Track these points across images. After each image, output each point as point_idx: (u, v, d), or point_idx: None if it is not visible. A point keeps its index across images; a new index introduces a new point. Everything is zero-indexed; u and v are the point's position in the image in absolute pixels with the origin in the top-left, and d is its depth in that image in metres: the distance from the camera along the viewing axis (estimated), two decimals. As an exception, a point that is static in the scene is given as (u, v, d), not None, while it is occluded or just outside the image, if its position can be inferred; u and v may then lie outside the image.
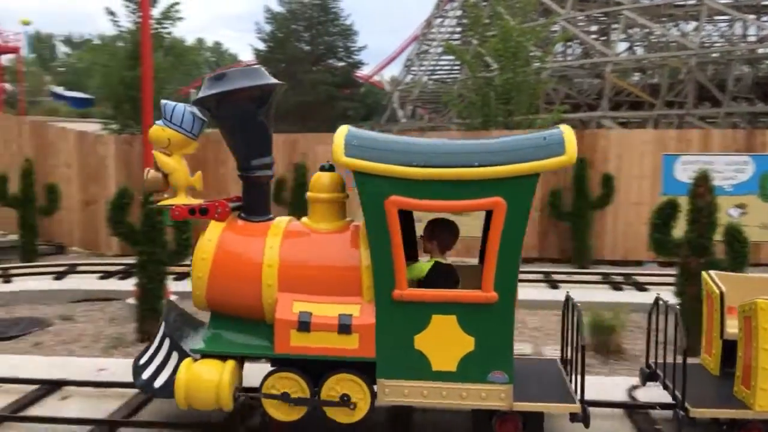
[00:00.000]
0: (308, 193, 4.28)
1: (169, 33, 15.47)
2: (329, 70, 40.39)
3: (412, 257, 4.17)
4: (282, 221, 4.29)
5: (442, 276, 3.95)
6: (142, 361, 4.19)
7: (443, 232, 4.09)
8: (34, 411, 4.44)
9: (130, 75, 14.08)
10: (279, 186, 10.97)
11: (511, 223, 3.64)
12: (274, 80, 4.31)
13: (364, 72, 46.06)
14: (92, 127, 17.77)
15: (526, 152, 3.64)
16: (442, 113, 31.82)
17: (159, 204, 4.33)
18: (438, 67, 34.81)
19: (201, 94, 4.18)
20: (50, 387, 4.77)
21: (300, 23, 40.27)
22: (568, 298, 4.21)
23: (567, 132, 3.68)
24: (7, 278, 8.95)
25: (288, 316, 3.81)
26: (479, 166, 3.61)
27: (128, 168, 11.59)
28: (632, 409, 4.42)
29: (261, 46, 41.60)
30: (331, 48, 41.22)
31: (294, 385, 3.90)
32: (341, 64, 41.66)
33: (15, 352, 6.02)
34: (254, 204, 4.40)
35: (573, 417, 3.73)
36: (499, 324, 3.73)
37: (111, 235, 8.82)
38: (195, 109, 4.28)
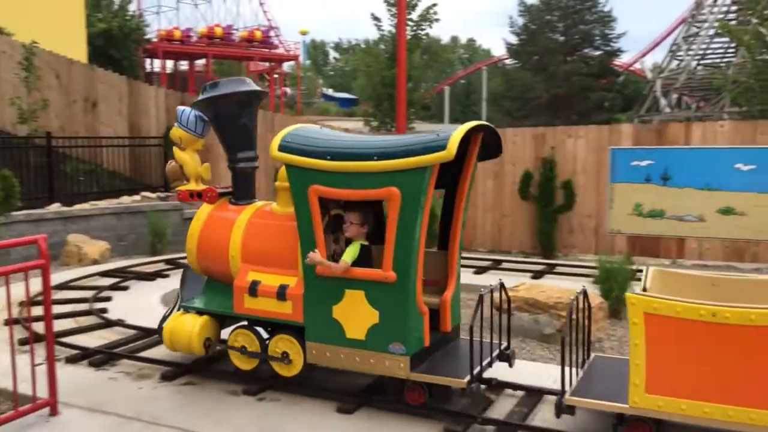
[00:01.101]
0: (276, 183, 4.90)
1: (426, 34, 16.18)
2: (584, 59, 38.78)
3: (380, 240, 4.38)
4: (256, 205, 5.07)
5: (365, 257, 4.37)
6: (166, 313, 5.24)
7: (371, 219, 4.49)
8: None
9: (389, 75, 15.03)
10: (525, 181, 10.89)
11: (405, 210, 4.06)
12: (257, 87, 5.22)
13: (622, 60, 43.37)
14: (356, 124, 19.29)
15: (417, 148, 4.05)
16: (713, 101, 28.72)
17: (176, 189, 5.31)
18: (709, 51, 31.47)
19: (198, 98, 5.08)
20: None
21: (554, 13, 39.23)
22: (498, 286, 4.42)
23: (458, 131, 4.03)
24: None
25: (242, 282, 4.68)
26: (377, 160, 4.11)
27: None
28: (530, 392, 4.54)
29: (513, 39, 41.37)
30: (587, 37, 39.51)
31: (250, 340, 4.75)
32: (597, 53, 39.72)
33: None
34: (239, 190, 5.20)
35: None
36: (398, 301, 4.16)
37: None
38: (200, 113, 5.14)
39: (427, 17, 15.84)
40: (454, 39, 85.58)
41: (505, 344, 4.60)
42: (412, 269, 4.13)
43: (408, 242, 4.09)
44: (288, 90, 51.80)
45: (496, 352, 4.45)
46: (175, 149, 5.29)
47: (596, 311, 6.03)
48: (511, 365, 4.59)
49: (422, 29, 15.96)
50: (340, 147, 4.33)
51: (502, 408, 4.31)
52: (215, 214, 5.11)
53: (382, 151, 4.16)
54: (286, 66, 51.88)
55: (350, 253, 4.33)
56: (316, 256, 4.26)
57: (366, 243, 4.45)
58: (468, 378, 4.01)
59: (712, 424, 3.51)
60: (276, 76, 47.59)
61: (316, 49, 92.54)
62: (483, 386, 4.24)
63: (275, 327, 4.71)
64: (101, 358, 5.40)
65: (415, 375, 4.15)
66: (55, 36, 16.46)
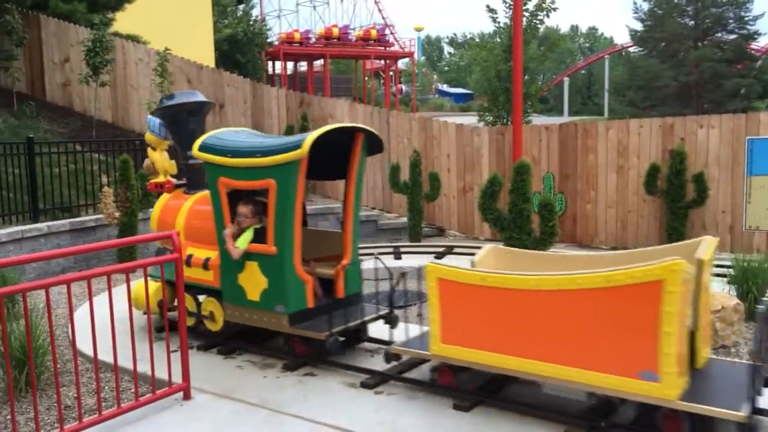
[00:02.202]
0: None
1: (543, 24, 15.75)
2: (716, 44, 36.26)
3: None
4: (202, 194, 5.98)
5: (260, 236, 5.22)
6: None
7: (261, 208, 5.32)
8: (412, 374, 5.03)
9: (504, 68, 14.76)
10: (651, 174, 10.33)
11: (280, 197, 4.98)
12: (204, 99, 6.36)
13: (760, 44, 40.15)
14: (471, 120, 19.12)
15: (284, 147, 4.96)
16: None
17: (150, 182, 6.42)
18: None
19: (155, 108, 6.37)
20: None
21: (683, -4, 36.98)
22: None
23: (312, 134, 4.91)
24: (398, 255, 10.26)
25: (182, 256, 5.26)
26: (260, 157, 5.05)
27: (500, 157, 12.21)
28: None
29: (638, 26, 39.41)
30: (720, 20, 36.91)
31: (190, 303, 5.76)
32: (731, 36, 37.02)
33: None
34: (190, 182, 6.27)
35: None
36: (279, 270, 5.08)
37: (483, 220, 9.46)
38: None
39: (544, 6, 15.41)
40: (574, 28, 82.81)
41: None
42: (287, 244, 5.07)
43: (284, 222, 5.04)
44: (403, 87, 52.23)
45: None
46: (149, 149, 6.47)
47: (731, 313, 5.62)
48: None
49: (539, 19, 15.55)
50: (238, 147, 5.28)
51: (626, 414, 4.11)
52: (169, 202, 6.28)
53: (264, 149, 5.10)
54: (401, 63, 52.31)
55: (243, 239, 5.24)
56: (226, 236, 5.25)
57: (259, 226, 5.31)
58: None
59: (492, 369, 4.21)
60: (391, 73, 48.10)
61: (431, 45, 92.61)
62: None
63: (205, 292, 5.75)
64: (230, 346, 5.69)
65: (292, 329, 5.11)
66: (186, 43, 17.55)
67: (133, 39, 15.75)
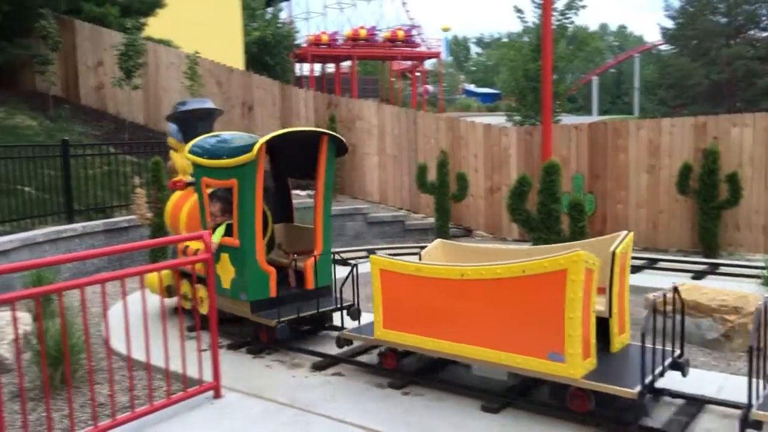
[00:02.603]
0: None
1: (571, 23, 15.63)
2: (749, 42, 35.55)
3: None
4: None
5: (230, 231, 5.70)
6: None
7: (230, 206, 5.68)
8: (443, 375, 5.02)
9: (533, 68, 14.68)
10: (684, 174, 10.17)
11: (241, 195, 5.44)
12: (213, 106, 7.13)
13: (796, 40, 39.19)
14: (498, 120, 19.03)
15: (240, 150, 5.45)
16: None
17: (170, 181, 6.73)
18: None
19: (169, 114, 7.07)
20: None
21: (716, -7, 36.31)
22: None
23: (263, 138, 5.42)
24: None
25: (181, 246, 6.26)
26: (225, 158, 5.54)
27: (528, 157, 12.14)
28: (691, 400, 4.29)
29: (669, 23, 38.84)
30: (753, 17, 36.18)
31: (188, 288, 6.18)
32: (765, 34, 36.24)
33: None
34: None
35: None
36: (242, 261, 5.54)
37: (511, 220, 9.41)
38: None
39: (573, 5, 15.29)
40: (603, 26, 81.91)
41: (678, 351, 4.37)
42: (249, 237, 5.52)
43: (245, 218, 5.49)
44: (430, 87, 52.13)
45: (668, 361, 4.23)
46: (171, 151, 7.16)
47: (764, 315, 5.51)
48: (684, 374, 4.34)
49: (568, 18, 15.43)
50: (214, 150, 5.78)
51: (660, 416, 4.06)
52: (178, 198, 6.91)
53: (228, 151, 5.61)
54: (428, 63, 52.25)
55: (216, 233, 5.68)
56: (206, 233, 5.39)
57: (230, 222, 5.71)
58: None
59: (427, 352, 4.62)
60: (418, 73, 48.06)
61: (458, 45, 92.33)
62: None
63: (199, 279, 5.88)
64: (258, 346, 5.75)
65: (254, 316, 5.52)
66: (216, 46, 17.76)
67: (165, 43, 15.99)
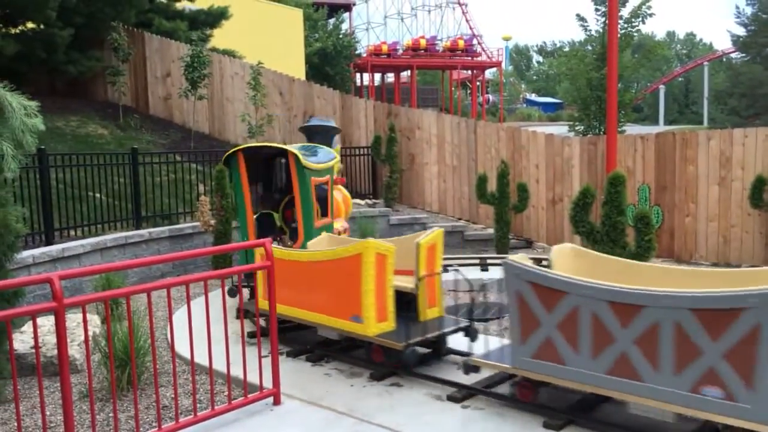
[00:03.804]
0: None
1: (638, 31, 15.23)
2: (829, 48, 33.88)
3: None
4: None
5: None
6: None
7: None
8: (502, 389, 4.93)
9: (596, 76, 14.37)
10: (757, 187, 9.73)
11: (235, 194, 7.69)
12: (328, 123, 9.33)
13: None
14: (560, 129, 18.69)
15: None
16: None
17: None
18: None
19: (301, 126, 9.54)
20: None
21: (791, -1, 34.79)
22: None
23: (233, 150, 7.53)
24: (485, 267, 10.13)
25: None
26: (223, 164, 7.98)
27: (592, 168, 11.86)
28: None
29: (740, 31, 37.45)
30: (833, 22, 34.49)
31: None
32: None
33: (487, 333, 6.76)
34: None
35: None
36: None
37: (573, 233, 9.19)
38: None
39: (639, 13, 14.90)
40: (671, 34, 79.69)
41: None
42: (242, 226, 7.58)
43: (238, 211, 7.58)
44: (490, 96, 51.75)
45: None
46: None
47: None
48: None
49: (634, 26, 15.04)
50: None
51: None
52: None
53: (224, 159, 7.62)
54: (489, 72, 51.89)
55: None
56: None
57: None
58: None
59: (290, 318, 5.89)
60: (478, 83, 47.80)
61: (519, 54, 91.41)
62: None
63: None
64: (318, 354, 5.77)
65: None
66: (278, 57, 18.09)
67: (229, 54, 16.39)
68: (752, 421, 3.44)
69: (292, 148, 7.21)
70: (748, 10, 36.76)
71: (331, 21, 30.62)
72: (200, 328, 4.40)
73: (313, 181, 7.10)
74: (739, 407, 3.48)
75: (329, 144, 8.79)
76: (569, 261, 4.72)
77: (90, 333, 5.60)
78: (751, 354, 3.44)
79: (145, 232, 9.97)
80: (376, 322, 5.21)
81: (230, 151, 7.48)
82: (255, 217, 7.71)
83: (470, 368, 4.79)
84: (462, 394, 4.76)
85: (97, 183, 10.11)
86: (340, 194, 8.76)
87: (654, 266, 4.80)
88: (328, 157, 7.67)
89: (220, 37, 17.72)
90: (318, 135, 9.02)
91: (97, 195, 10.18)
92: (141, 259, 5.89)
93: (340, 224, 8.13)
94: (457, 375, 5.11)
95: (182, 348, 5.46)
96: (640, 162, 11.39)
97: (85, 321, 3.86)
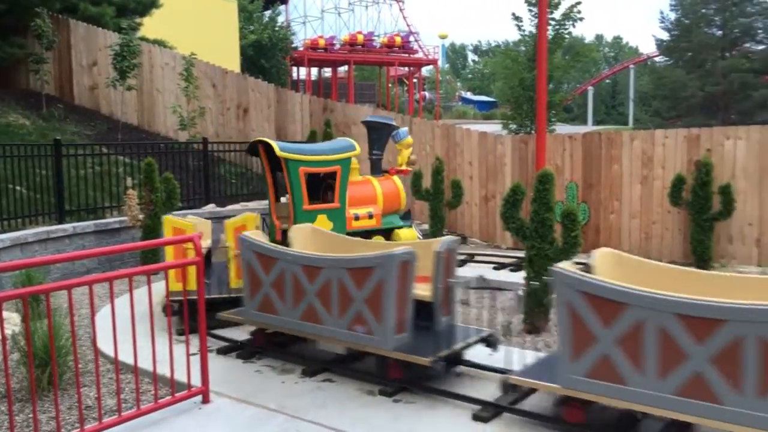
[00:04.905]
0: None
1: (569, 33, 15.66)
2: (744, 55, 35.76)
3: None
4: (380, 177, 9.44)
5: None
6: None
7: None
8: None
9: (529, 77, 14.70)
10: (676, 185, 10.18)
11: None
12: (386, 122, 9.83)
13: (790, 54, 39.46)
14: (494, 128, 19.05)
15: None
16: None
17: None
18: None
19: (364, 119, 10.30)
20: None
21: (711, 6, 36.52)
22: None
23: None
24: (464, 263, 10.21)
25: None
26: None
27: (523, 166, 12.14)
28: None
29: (664, 35, 39.03)
30: (748, 30, 36.39)
31: None
32: (760, 47, 36.48)
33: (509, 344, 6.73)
34: (373, 170, 9.57)
35: None
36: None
37: (504, 229, 9.39)
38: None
39: (570, 16, 15.32)
40: (599, 37, 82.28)
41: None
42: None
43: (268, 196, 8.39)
44: (426, 94, 52.22)
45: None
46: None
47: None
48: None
49: (565, 28, 15.46)
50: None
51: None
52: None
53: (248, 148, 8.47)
54: (425, 70, 52.34)
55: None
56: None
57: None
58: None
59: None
60: (415, 80, 48.12)
61: (455, 53, 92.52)
62: None
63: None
64: (249, 351, 5.70)
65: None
66: (212, 48, 17.72)
67: (160, 44, 15.95)
68: None
69: (296, 147, 8.21)
70: (672, 16, 38.38)
71: (267, 13, 30.21)
72: (126, 326, 4.27)
73: (302, 170, 7.92)
74: None
75: (383, 139, 9.70)
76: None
77: (8, 332, 5.36)
78: None
79: (68, 227, 9.61)
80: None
81: (252, 141, 8.40)
82: None
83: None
84: (392, 389, 4.77)
85: (17, 175, 9.67)
86: (391, 184, 9.48)
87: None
88: (331, 150, 8.46)
89: (151, 26, 17.22)
90: (373, 131, 9.69)
91: (18, 188, 9.74)
92: (64, 254, 5.68)
93: (364, 211, 8.93)
94: (470, 389, 4.73)
95: (106, 347, 5.30)
96: (568, 160, 11.73)
97: (0, 319, 3.69)
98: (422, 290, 5.05)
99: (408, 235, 9.48)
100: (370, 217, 8.98)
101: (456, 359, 4.98)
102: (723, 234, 10.15)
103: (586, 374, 3.84)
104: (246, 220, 6.87)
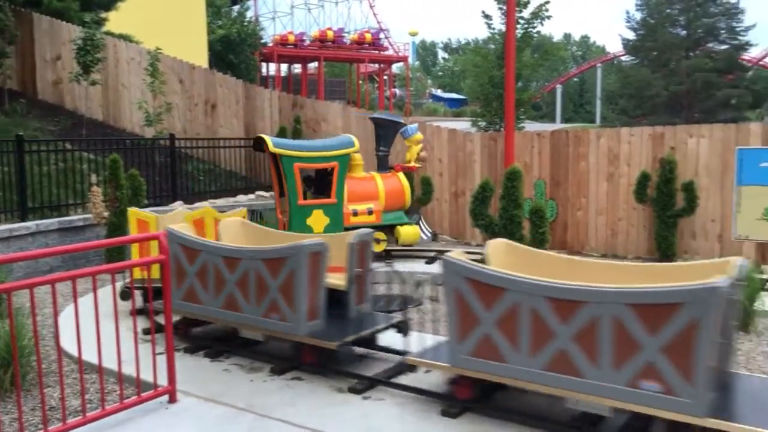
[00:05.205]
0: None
1: (537, 32, 15.79)
2: (708, 54, 36.51)
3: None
4: (384, 173, 10.02)
5: None
6: None
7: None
8: (401, 380, 5.00)
9: (498, 74, 14.80)
10: (641, 183, 10.36)
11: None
12: (397, 119, 10.29)
13: (751, 54, 40.47)
14: (464, 125, 19.14)
15: None
16: None
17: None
18: None
19: (372, 116, 10.61)
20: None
21: (675, 6, 37.19)
22: None
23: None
24: (389, 260, 10.23)
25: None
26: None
27: (492, 163, 12.22)
28: None
29: (630, 35, 39.66)
30: (712, 30, 37.18)
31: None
32: (723, 47, 37.28)
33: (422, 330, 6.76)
34: (380, 166, 10.23)
35: None
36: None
37: (473, 226, 9.46)
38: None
39: (539, 14, 15.46)
40: (567, 36, 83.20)
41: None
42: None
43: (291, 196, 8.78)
44: (397, 91, 52.25)
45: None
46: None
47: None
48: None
49: (533, 27, 15.59)
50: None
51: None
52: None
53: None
54: (396, 67, 52.36)
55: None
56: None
57: None
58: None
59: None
60: (385, 77, 48.12)
61: (425, 50, 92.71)
62: None
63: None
64: (217, 349, 5.65)
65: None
66: (179, 43, 17.48)
67: (126, 38, 15.67)
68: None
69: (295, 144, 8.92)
70: (638, 15, 39.00)
71: (236, 8, 29.91)
72: (90, 325, 4.20)
73: (297, 166, 8.31)
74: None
75: (390, 137, 10.10)
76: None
77: (-33, 332, 5.22)
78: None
79: (31, 225, 9.41)
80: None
81: (256, 137, 8.93)
82: None
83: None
84: (363, 386, 4.78)
85: (-23, 172, 9.43)
86: (395, 181, 9.74)
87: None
88: (328, 146, 8.94)
89: (116, 21, 16.92)
90: (380, 128, 10.08)
91: (-22, 184, 9.51)
92: (26, 252, 5.54)
93: (364, 207, 9.28)
94: (365, 369, 5.16)
95: (70, 346, 5.20)
96: (536, 158, 11.85)
97: (-41, 320, 3.59)
98: (336, 279, 5.41)
99: (410, 232, 9.47)
100: (370, 213, 9.17)
101: (368, 344, 5.35)
102: (687, 230, 10.36)
103: (471, 354, 4.17)
104: (205, 213, 6.93)
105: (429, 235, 10.45)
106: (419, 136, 10.43)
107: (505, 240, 4.97)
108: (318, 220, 8.55)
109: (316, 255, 4.99)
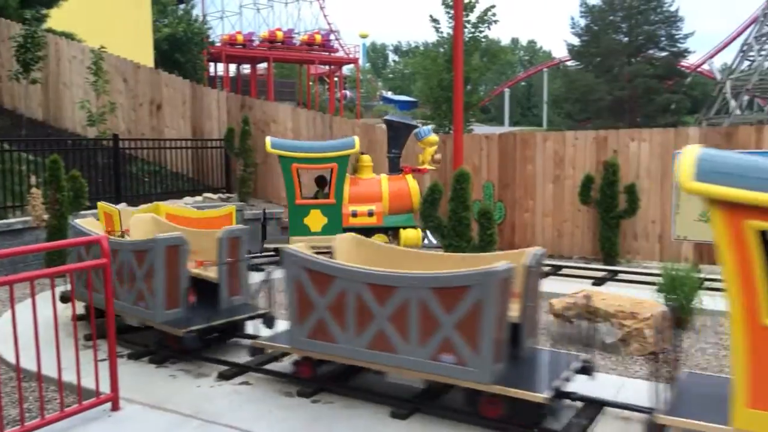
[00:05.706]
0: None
1: (485, 36, 16.04)
2: (649, 61, 37.72)
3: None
4: (395, 175, 10.13)
5: None
6: None
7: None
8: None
9: (447, 78, 14.97)
10: (586, 185, 10.61)
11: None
12: (408, 121, 10.45)
13: (690, 61, 41.95)
14: (413, 127, 19.19)
15: None
16: (787, 103, 27.46)
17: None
18: (783, 51, 30.10)
19: (386, 118, 10.65)
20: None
21: (618, 13, 38.29)
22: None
23: None
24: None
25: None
26: None
27: (442, 165, 12.31)
28: (590, 403, 4.41)
29: (575, 40, 40.60)
30: (652, 37, 38.43)
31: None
32: (663, 54, 38.56)
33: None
34: (391, 168, 10.13)
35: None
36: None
37: (423, 227, 9.52)
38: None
39: (485, 19, 15.70)
40: (515, 40, 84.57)
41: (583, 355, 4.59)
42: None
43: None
44: (347, 93, 52.20)
45: (574, 365, 4.42)
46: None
47: (660, 320, 5.81)
48: (591, 375, 4.53)
49: (481, 31, 15.83)
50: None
51: (560, 419, 4.19)
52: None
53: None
54: (346, 69, 52.30)
55: None
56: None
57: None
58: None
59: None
60: (335, 79, 48.01)
61: (375, 52, 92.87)
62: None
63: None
64: (162, 355, 5.53)
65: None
66: (123, 41, 17.06)
67: (68, 36, 15.21)
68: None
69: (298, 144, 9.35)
70: (582, 22, 39.98)
71: (182, 6, 29.39)
72: (28, 331, 4.05)
73: (294, 166, 8.44)
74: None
75: (402, 139, 10.08)
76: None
77: None
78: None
79: (-34, 228, 9.03)
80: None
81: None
82: None
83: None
84: (310, 390, 4.76)
85: None
86: (402, 184, 9.71)
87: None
88: (327, 147, 9.13)
89: (60, 19, 16.39)
90: (392, 129, 10.12)
91: None
92: (-41, 257, 5.31)
93: (364, 208, 9.29)
94: (242, 357, 5.47)
95: (8, 353, 5.01)
96: (485, 160, 12.02)
97: None
98: (208, 272, 5.85)
99: (412, 236, 9.33)
100: (371, 214, 9.21)
101: (232, 332, 5.81)
102: (629, 231, 10.66)
103: (309, 336, 4.63)
104: (154, 208, 6.98)
105: (432, 241, 10.38)
106: (433, 138, 10.21)
107: (352, 234, 5.36)
108: (315, 219, 8.60)
109: (173, 248, 5.40)
